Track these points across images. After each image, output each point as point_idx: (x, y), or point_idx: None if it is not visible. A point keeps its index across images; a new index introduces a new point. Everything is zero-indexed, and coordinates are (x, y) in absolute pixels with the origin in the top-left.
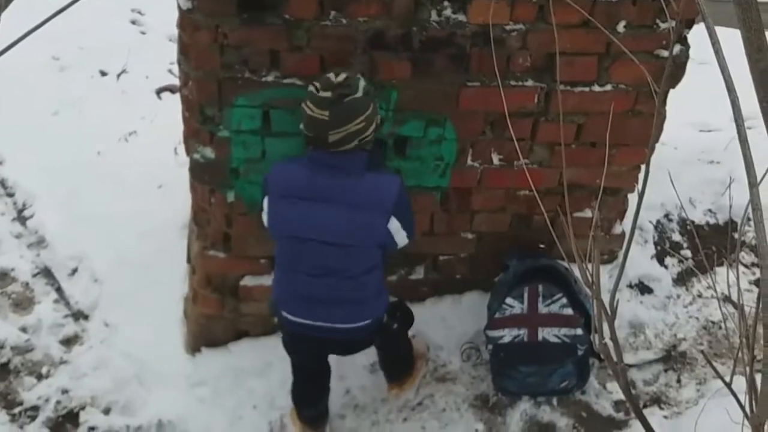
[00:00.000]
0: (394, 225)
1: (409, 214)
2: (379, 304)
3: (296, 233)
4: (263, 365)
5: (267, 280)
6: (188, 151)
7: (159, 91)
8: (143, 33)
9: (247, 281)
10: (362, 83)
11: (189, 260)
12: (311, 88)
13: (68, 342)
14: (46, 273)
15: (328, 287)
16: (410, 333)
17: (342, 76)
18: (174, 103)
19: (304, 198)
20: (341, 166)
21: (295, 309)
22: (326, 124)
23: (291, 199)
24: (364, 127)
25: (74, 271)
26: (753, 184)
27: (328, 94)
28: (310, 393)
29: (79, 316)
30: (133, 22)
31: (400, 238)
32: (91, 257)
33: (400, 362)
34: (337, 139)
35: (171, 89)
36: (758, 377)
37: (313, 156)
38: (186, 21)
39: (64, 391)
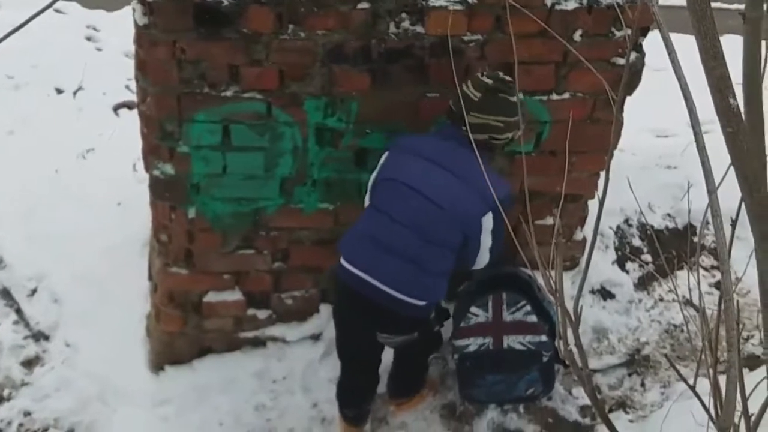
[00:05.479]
0: (488, 223)
1: (501, 229)
2: (439, 290)
3: (400, 178)
4: (228, 382)
5: (230, 296)
6: (147, 168)
7: (116, 108)
8: (99, 49)
9: (211, 297)
10: (521, 95)
11: (150, 277)
12: (479, 72)
13: (29, 363)
14: (5, 294)
15: (405, 241)
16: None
17: (509, 78)
18: (132, 119)
19: (426, 158)
20: (469, 146)
21: (356, 254)
22: (473, 104)
23: (412, 155)
24: (500, 128)
25: (33, 291)
26: (712, 191)
27: (489, 81)
28: (354, 391)
29: (39, 336)
30: (89, 39)
31: (485, 243)
32: (50, 277)
33: (409, 379)
34: (474, 123)
35: (128, 105)
36: (722, 379)
37: (446, 129)
38: (143, 37)
39: (27, 414)
